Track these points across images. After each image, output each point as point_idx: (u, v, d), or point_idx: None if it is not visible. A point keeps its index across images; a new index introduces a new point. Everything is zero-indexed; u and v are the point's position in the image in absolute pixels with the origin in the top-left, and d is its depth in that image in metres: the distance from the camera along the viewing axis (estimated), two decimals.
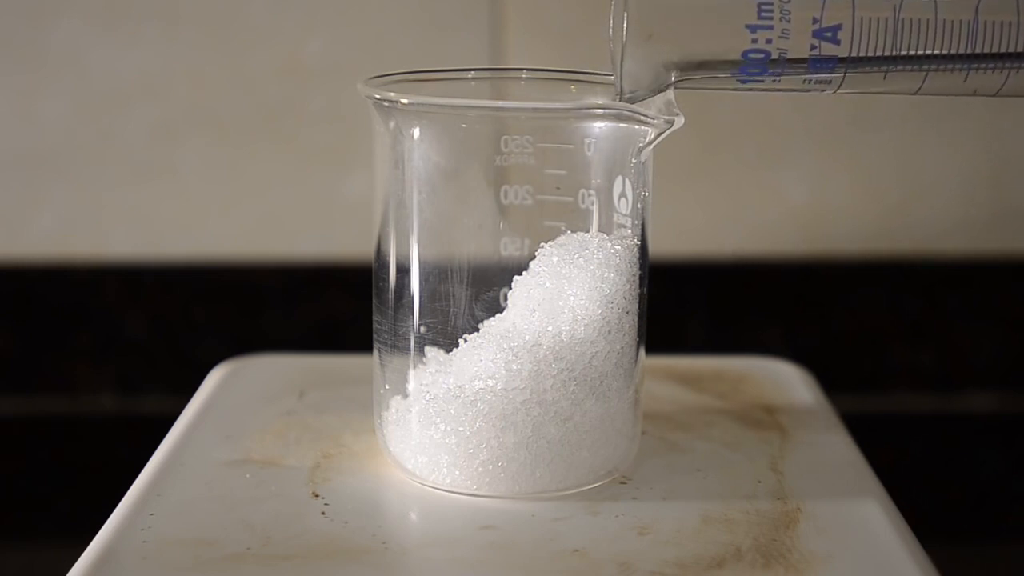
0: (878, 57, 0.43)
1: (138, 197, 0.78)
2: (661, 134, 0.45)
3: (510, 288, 0.47)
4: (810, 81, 0.43)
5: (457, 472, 0.47)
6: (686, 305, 0.79)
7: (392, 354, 0.49)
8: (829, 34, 0.42)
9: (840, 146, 0.78)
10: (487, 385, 0.46)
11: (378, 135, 0.48)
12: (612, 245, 0.47)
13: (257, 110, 0.77)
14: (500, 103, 0.50)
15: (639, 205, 0.48)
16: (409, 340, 0.48)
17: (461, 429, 0.46)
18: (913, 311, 0.79)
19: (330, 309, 0.78)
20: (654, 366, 0.56)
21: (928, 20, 0.42)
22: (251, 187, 0.78)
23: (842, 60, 0.43)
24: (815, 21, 0.42)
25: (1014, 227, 0.79)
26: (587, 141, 0.47)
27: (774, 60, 0.43)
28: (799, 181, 0.78)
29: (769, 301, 0.79)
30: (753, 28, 0.42)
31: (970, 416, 0.79)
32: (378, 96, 0.46)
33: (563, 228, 0.47)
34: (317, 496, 0.47)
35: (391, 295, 0.48)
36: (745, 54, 0.43)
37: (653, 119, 0.44)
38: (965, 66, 0.43)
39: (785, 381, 0.59)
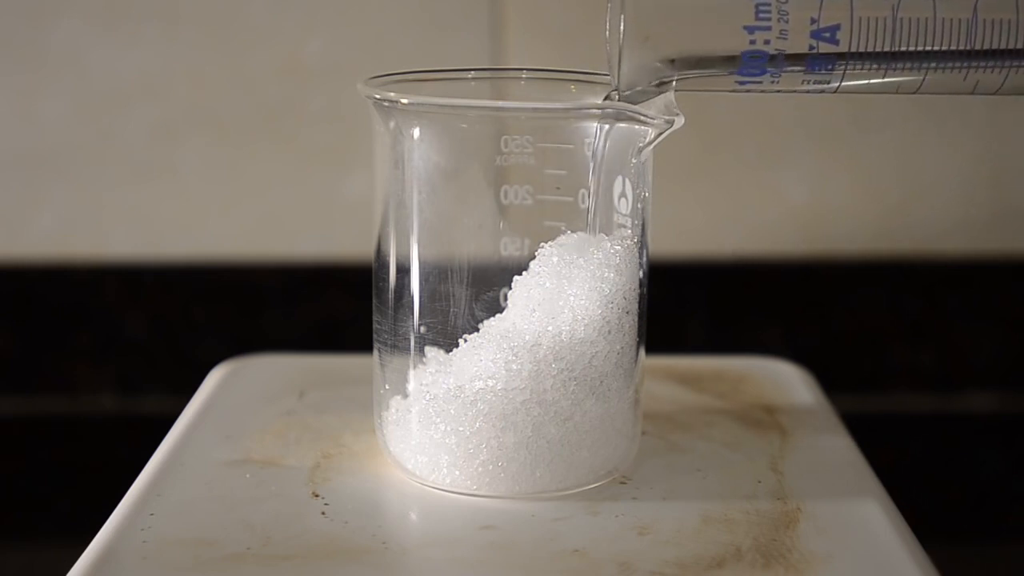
0: (877, 56, 0.43)
1: (138, 197, 0.78)
2: (661, 134, 0.45)
3: (510, 288, 0.47)
4: (809, 81, 0.43)
5: (457, 472, 0.47)
6: (686, 305, 0.79)
7: (392, 354, 0.49)
8: (827, 34, 0.42)
9: (840, 146, 0.78)
10: (487, 385, 0.46)
11: (378, 135, 0.48)
12: (612, 245, 0.47)
13: (257, 110, 0.77)
14: (500, 103, 0.50)
15: (639, 205, 0.48)
16: (409, 340, 0.48)
17: (461, 429, 0.46)
18: (913, 311, 0.79)
19: (330, 309, 0.78)
20: (654, 366, 0.56)
21: (927, 19, 0.42)
22: (251, 187, 0.78)
23: (841, 60, 0.43)
24: (813, 21, 0.42)
25: (1014, 227, 0.79)
26: (587, 141, 0.47)
27: (772, 61, 0.43)
28: (799, 181, 0.78)
29: (769, 301, 0.79)
30: (751, 29, 0.42)
31: (970, 416, 0.79)
32: (378, 96, 0.46)
33: (563, 228, 0.47)
34: (317, 496, 0.47)
35: (391, 295, 0.48)
36: (743, 55, 0.42)
37: (653, 119, 0.44)
38: (965, 64, 0.43)
39: (785, 381, 0.59)
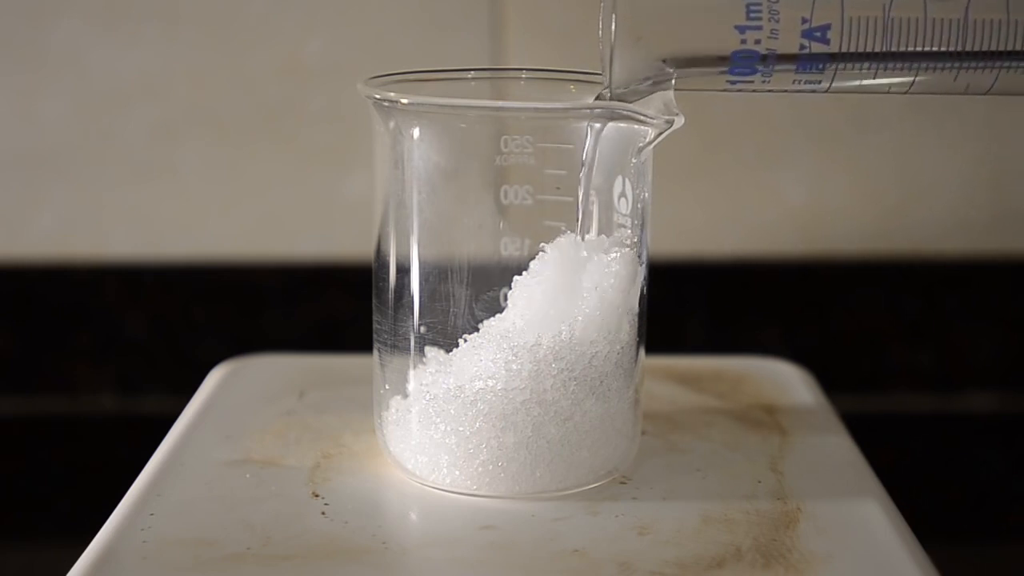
0: (868, 56, 0.43)
1: (138, 197, 0.78)
2: (661, 134, 0.45)
3: (510, 288, 0.47)
4: (800, 81, 0.43)
5: (457, 472, 0.47)
6: (686, 305, 0.79)
7: (392, 354, 0.49)
8: (818, 34, 0.42)
9: (839, 146, 0.78)
10: (487, 385, 0.46)
11: (378, 135, 0.48)
12: (612, 246, 0.47)
13: (257, 110, 0.77)
14: (500, 103, 0.50)
15: (639, 205, 0.48)
16: (409, 340, 0.48)
17: (461, 429, 0.46)
18: (912, 311, 0.79)
19: (330, 309, 0.78)
20: (654, 366, 0.56)
21: (918, 19, 0.42)
22: (251, 187, 0.78)
23: (832, 59, 0.43)
24: (804, 21, 0.42)
25: (1013, 227, 0.79)
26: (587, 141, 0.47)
27: (764, 60, 0.43)
28: (798, 181, 0.78)
29: (768, 301, 0.79)
30: (742, 29, 0.42)
31: (970, 416, 0.79)
32: (378, 96, 0.46)
33: (563, 228, 0.47)
34: (317, 496, 0.47)
35: (391, 295, 0.48)
36: (734, 55, 0.43)
37: (653, 119, 0.44)
38: (955, 64, 0.43)
39: (785, 381, 0.59)
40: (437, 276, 0.48)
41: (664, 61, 0.43)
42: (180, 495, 0.47)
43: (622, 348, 0.47)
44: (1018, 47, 0.42)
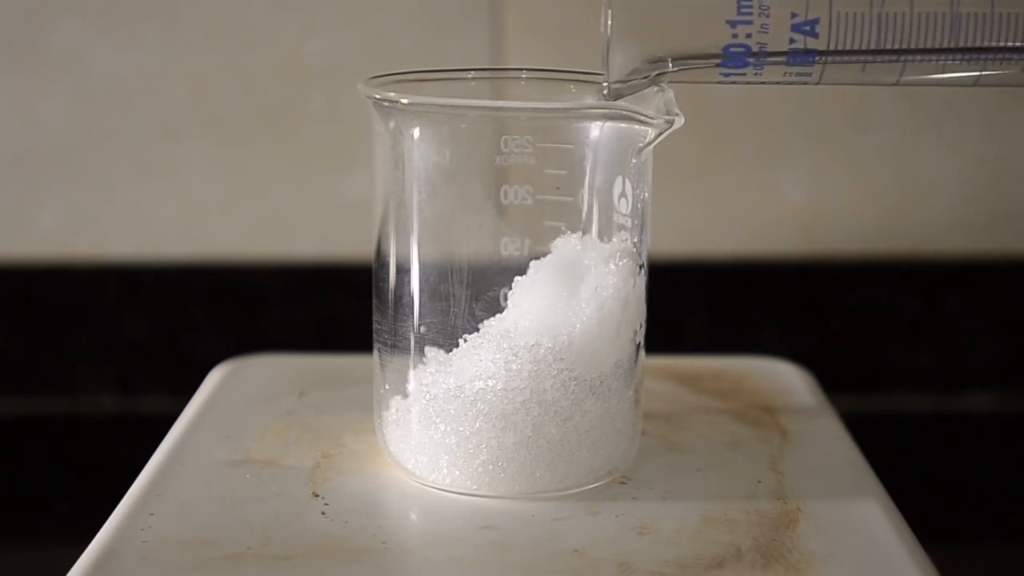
0: (857, 50, 0.44)
1: (138, 197, 0.78)
2: (661, 134, 0.45)
3: (510, 288, 0.47)
4: (791, 74, 0.44)
5: (457, 472, 0.47)
6: (686, 305, 0.79)
7: (392, 354, 0.49)
8: (807, 28, 0.43)
9: (839, 146, 0.78)
10: (487, 385, 0.46)
11: (378, 135, 0.48)
12: (612, 255, 0.46)
13: (257, 110, 0.77)
14: (500, 103, 0.50)
15: (639, 205, 0.48)
16: (409, 340, 0.48)
17: (461, 429, 0.46)
18: (912, 311, 0.79)
19: (330, 309, 0.78)
20: (654, 366, 0.56)
21: (904, 13, 0.43)
22: (251, 187, 0.78)
23: (821, 53, 0.44)
24: (794, 15, 0.43)
25: (1013, 227, 0.79)
26: (587, 141, 0.47)
27: (754, 54, 0.44)
28: (798, 181, 0.78)
29: (768, 301, 0.79)
30: (733, 23, 0.43)
31: (970, 416, 0.79)
32: (378, 96, 0.46)
33: (563, 228, 0.47)
34: (317, 496, 0.47)
35: (391, 295, 0.48)
36: (726, 49, 0.43)
37: (653, 119, 0.44)
38: (942, 58, 0.43)
39: (785, 381, 0.59)
40: (437, 276, 0.48)
41: (659, 55, 0.44)
42: (180, 495, 0.47)
43: (622, 351, 0.47)
44: (1003, 41, 0.43)
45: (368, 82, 0.47)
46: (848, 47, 0.43)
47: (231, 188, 0.78)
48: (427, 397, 0.47)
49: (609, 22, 0.44)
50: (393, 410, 0.49)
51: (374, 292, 0.49)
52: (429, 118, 0.47)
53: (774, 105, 0.77)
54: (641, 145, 0.46)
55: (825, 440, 0.53)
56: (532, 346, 0.46)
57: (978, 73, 0.44)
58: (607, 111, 0.45)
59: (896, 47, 0.43)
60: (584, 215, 0.47)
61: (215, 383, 0.58)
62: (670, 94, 0.45)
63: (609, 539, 0.44)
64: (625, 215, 0.47)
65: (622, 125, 0.46)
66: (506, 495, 0.47)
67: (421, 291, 0.48)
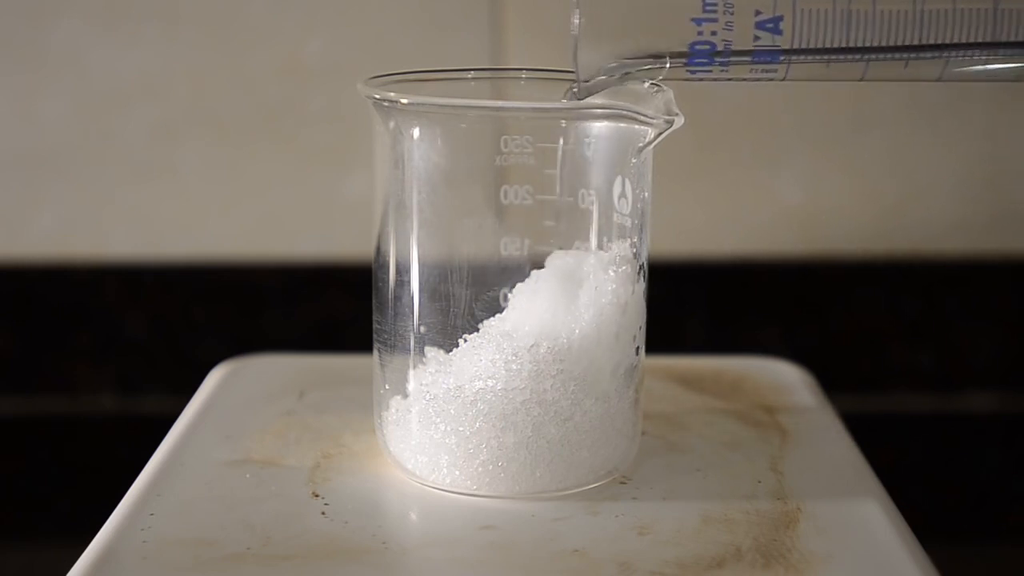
0: (821, 48, 0.44)
1: (138, 197, 0.78)
2: (661, 134, 0.45)
3: (510, 289, 0.47)
4: (757, 70, 0.45)
5: (457, 472, 0.47)
6: (686, 305, 0.79)
7: (392, 354, 0.49)
8: (771, 25, 0.44)
9: (838, 147, 0.78)
10: (487, 385, 0.46)
11: (378, 135, 0.48)
12: (611, 263, 0.47)
13: (257, 110, 0.77)
14: (500, 103, 0.50)
15: (639, 205, 0.48)
16: (409, 340, 0.48)
17: (461, 429, 0.46)
18: (912, 311, 0.79)
19: (330, 309, 0.78)
20: (654, 366, 0.56)
21: (868, 11, 0.43)
22: (251, 187, 0.78)
23: (785, 51, 0.44)
24: (758, 13, 0.43)
25: (1012, 227, 0.79)
26: (587, 141, 0.47)
27: (719, 52, 0.44)
28: (797, 181, 0.78)
29: (768, 301, 0.79)
30: (699, 21, 0.44)
31: (970, 416, 0.79)
32: (378, 96, 0.46)
33: (562, 227, 0.47)
34: (317, 496, 0.47)
35: (391, 295, 0.48)
36: (692, 46, 0.44)
37: (653, 119, 0.44)
38: (906, 55, 0.44)
39: (785, 381, 0.59)
40: (437, 276, 0.48)
41: (627, 54, 0.44)
42: (180, 495, 0.47)
43: (621, 355, 0.47)
44: (966, 37, 0.43)
45: (368, 82, 0.47)
46: (813, 44, 0.44)
47: (231, 188, 0.78)
48: (427, 397, 0.47)
49: (577, 21, 0.44)
50: (393, 410, 0.49)
51: (374, 292, 0.49)
52: (429, 118, 0.47)
53: (773, 105, 0.77)
54: (641, 145, 0.46)
55: (825, 440, 0.53)
56: (532, 346, 0.46)
57: (941, 69, 0.44)
58: (607, 111, 0.45)
59: (861, 44, 0.44)
60: (584, 215, 0.48)
61: (215, 383, 0.58)
62: (670, 94, 0.45)
63: (609, 539, 0.44)
64: (625, 215, 0.47)
65: (622, 125, 0.46)
66: (506, 495, 0.47)
67: (421, 291, 0.48)
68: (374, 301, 0.50)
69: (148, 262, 0.78)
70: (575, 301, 0.46)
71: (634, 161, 0.47)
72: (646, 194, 0.48)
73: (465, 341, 0.47)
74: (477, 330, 0.47)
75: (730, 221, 0.78)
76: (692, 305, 0.79)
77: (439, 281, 0.48)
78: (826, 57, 0.44)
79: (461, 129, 0.47)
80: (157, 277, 0.78)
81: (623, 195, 0.47)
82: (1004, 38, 0.43)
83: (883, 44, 0.44)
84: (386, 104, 0.46)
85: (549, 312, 0.46)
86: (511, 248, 0.49)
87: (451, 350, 0.47)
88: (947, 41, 0.43)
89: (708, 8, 0.43)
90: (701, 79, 0.45)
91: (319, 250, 0.78)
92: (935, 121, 0.77)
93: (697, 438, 0.52)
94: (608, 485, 0.48)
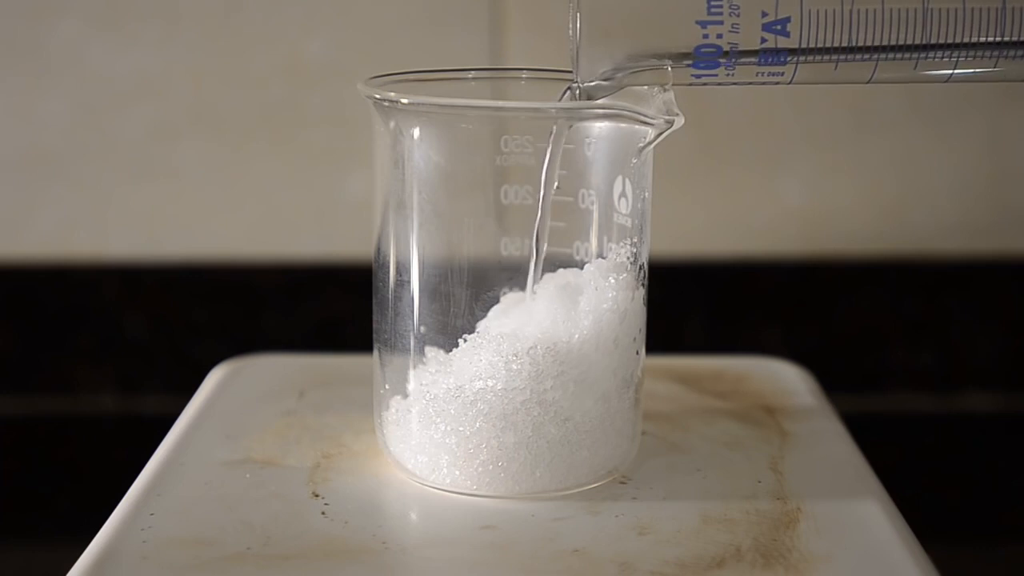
0: (829, 48, 0.43)
1: (138, 197, 0.78)
2: (661, 134, 0.45)
3: (510, 289, 0.47)
4: (763, 73, 0.44)
5: (457, 472, 0.47)
6: (686, 305, 0.79)
7: (392, 354, 0.49)
8: (778, 27, 0.43)
9: (839, 147, 0.78)
10: (487, 385, 0.46)
11: (378, 135, 0.48)
12: (610, 271, 0.47)
13: (257, 110, 0.77)
14: (500, 103, 0.50)
15: (639, 205, 0.48)
16: (409, 340, 0.48)
17: (461, 429, 0.46)
18: (913, 311, 0.79)
19: (330, 309, 0.78)
20: (654, 366, 0.56)
21: (876, 10, 0.43)
22: (251, 187, 0.78)
23: (792, 52, 0.43)
24: (764, 14, 0.43)
25: (1012, 227, 0.79)
26: (587, 141, 0.47)
27: (725, 54, 0.43)
28: (799, 182, 0.78)
29: (769, 301, 0.79)
30: (704, 23, 0.43)
31: (970, 416, 0.79)
32: (378, 96, 0.46)
33: (563, 227, 0.47)
34: (317, 496, 0.47)
35: (391, 295, 0.48)
36: (697, 49, 0.43)
37: (653, 119, 0.44)
38: (915, 56, 0.43)
39: (785, 381, 0.59)
40: (437, 276, 0.48)
41: (629, 56, 0.43)
42: (180, 495, 0.47)
43: (620, 359, 0.47)
44: (975, 37, 0.43)
45: (368, 82, 0.47)
46: (820, 45, 0.43)
47: (231, 188, 0.78)
48: (427, 397, 0.47)
49: (578, 24, 0.43)
50: (393, 410, 0.49)
51: (374, 292, 0.49)
52: (429, 118, 0.47)
53: (774, 105, 0.77)
54: (641, 145, 0.46)
55: (825, 440, 0.53)
56: (531, 347, 0.46)
57: (951, 70, 0.44)
58: (607, 111, 0.45)
59: (868, 44, 0.43)
60: (584, 215, 0.48)
61: (215, 383, 0.58)
62: (670, 94, 0.45)
63: (609, 539, 0.44)
64: (625, 215, 0.47)
65: (622, 125, 0.46)
66: (506, 495, 0.47)
67: (421, 291, 0.48)
68: (374, 301, 0.50)
69: (148, 262, 0.78)
70: (575, 307, 0.46)
71: (634, 161, 0.47)
72: (646, 194, 0.48)
73: (465, 341, 0.47)
74: (477, 330, 0.47)
75: (730, 221, 0.78)
76: (692, 305, 0.79)
77: (439, 281, 0.48)
78: (834, 58, 0.43)
79: (461, 129, 0.47)
80: (157, 277, 0.78)
81: (623, 195, 0.47)
82: (1012, 37, 0.43)
83: (892, 44, 0.43)
84: (386, 104, 0.46)
85: (548, 320, 0.46)
86: (511, 248, 0.49)
87: (451, 350, 0.47)
88: (956, 40, 0.43)
89: (713, 10, 0.43)
90: (705, 83, 0.44)
91: (319, 250, 0.78)
92: (935, 122, 0.77)
93: (697, 438, 0.52)
94: (608, 485, 0.48)
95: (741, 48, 0.43)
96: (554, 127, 0.46)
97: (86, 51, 0.76)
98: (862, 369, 0.80)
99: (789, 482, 0.48)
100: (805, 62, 0.43)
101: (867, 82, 0.44)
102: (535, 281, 0.47)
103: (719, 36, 0.43)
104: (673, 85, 0.44)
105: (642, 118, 0.44)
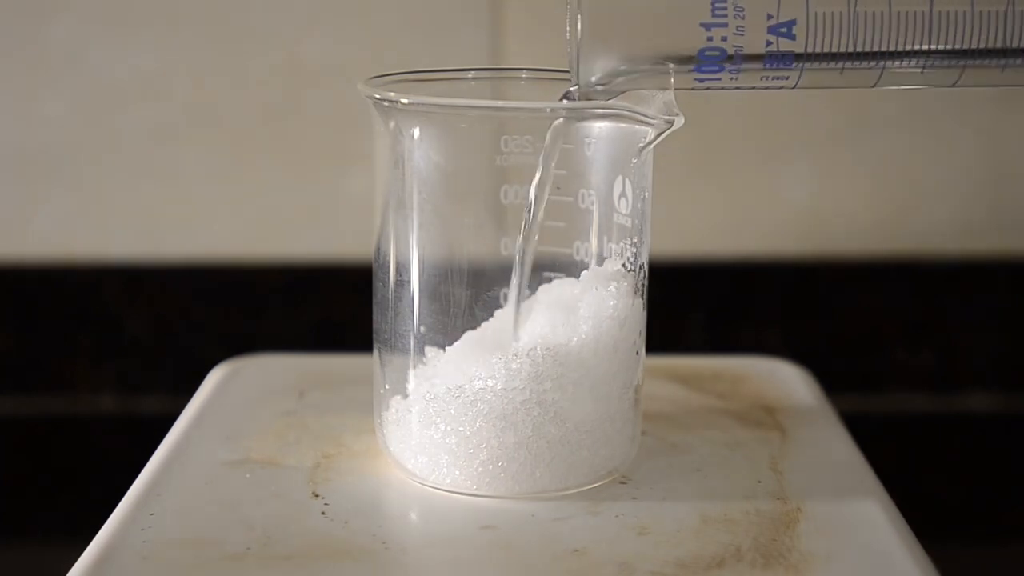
0: (834, 52, 0.42)
1: (138, 197, 0.78)
2: (661, 134, 0.45)
3: (510, 289, 0.47)
4: (768, 77, 0.43)
5: (457, 472, 0.47)
6: (686, 305, 0.79)
7: (392, 354, 0.49)
8: (784, 29, 0.42)
9: (839, 147, 0.78)
10: (487, 385, 0.46)
11: (378, 135, 0.48)
12: (610, 279, 0.47)
13: (257, 110, 0.77)
14: (500, 103, 0.50)
15: (639, 205, 0.48)
16: (409, 340, 0.48)
17: (461, 429, 0.46)
18: (913, 311, 0.79)
19: (330, 309, 0.78)
20: (654, 366, 0.56)
21: (883, 12, 0.42)
22: (251, 187, 0.78)
23: (798, 56, 0.42)
24: (769, 17, 0.42)
25: (1012, 228, 0.79)
26: (587, 141, 0.47)
27: (730, 57, 0.42)
28: (799, 182, 0.78)
29: (769, 301, 0.79)
30: (708, 26, 0.42)
31: (970, 416, 0.79)
32: (378, 96, 0.46)
33: (562, 227, 0.47)
34: (317, 496, 0.47)
35: (391, 295, 0.48)
36: (701, 52, 0.42)
37: (653, 119, 0.44)
38: (921, 62, 0.43)
39: (785, 381, 0.59)
40: (437, 276, 0.48)
41: (630, 60, 0.43)
42: (180, 495, 0.47)
43: (620, 363, 0.47)
44: (982, 43, 0.42)
45: (368, 82, 0.47)
46: (826, 49, 0.42)
47: (231, 188, 0.78)
48: (427, 397, 0.47)
49: (579, 27, 0.43)
50: (393, 410, 0.49)
51: (374, 292, 0.49)
52: (429, 118, 0.47)
53: (774, 106, 0.77)
54: (641, 145, 0.46)
55: (825, 440, 0.53)
56: (531, 347, 0.46)
57: (958, 74, 0.43)
58: (607, 111, 0.45)
59: (875, 49, 0.42)
60: (584, 215, 0.48)
61: (215, 383, 0.58)
62: (670, 94, 0.45)
63: (609, 539, 0.44)
64: (625, 215, 0.47)
65: (622, 125, 0.46)
66: (506, 495, 0.47)
67: (421, 291, 0.48)
68: (374, 301, 0.50)
69: (148, 262, 0.78)
70: (574, 313, 0.46)
71: (634, 161, 0.47)
72: (647, 194, 0.48)
73: (465, 341, 0.47)
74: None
75: (730, 221, 0.78)
76: (692, 305, 0.79)
77: (439, 281, 0.48)
78: (840, 63, 0.42)
79: (461, 129, 0.47)
80: (157, 277, 0.78)
81: (623, 195, 0.47)
82: (1017, 43, 0.42)
83: (899, 49, 0.42)
84: (386, 104, 0.46)
85: (547, 327, 0.46)
86: (511, 248, 0.49)
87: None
88: (961, 45, 0.42)
89: (717, 12, 0.42)
90: (708, 87, 0.43)
91: (319, 250, 0.78)
92: (936, 123, 0.77)
93: (697, 438, 0.52)
94: (608, 485, 0.48)
95: (746, 52, 0.42)
96: (547, 137, 0.45)
97: (86, 51, 0.76)
98: (862, 369, 0.80)
99: (789, 482, 0.48)
100: (811, 68, 0.43)
101: (872, 86, 0.44)
102: (520, 292, 0.46)
103: (723, 39, 0.42)
104: (676, 90, 0.44)
105: (642, 118, 0.44)
